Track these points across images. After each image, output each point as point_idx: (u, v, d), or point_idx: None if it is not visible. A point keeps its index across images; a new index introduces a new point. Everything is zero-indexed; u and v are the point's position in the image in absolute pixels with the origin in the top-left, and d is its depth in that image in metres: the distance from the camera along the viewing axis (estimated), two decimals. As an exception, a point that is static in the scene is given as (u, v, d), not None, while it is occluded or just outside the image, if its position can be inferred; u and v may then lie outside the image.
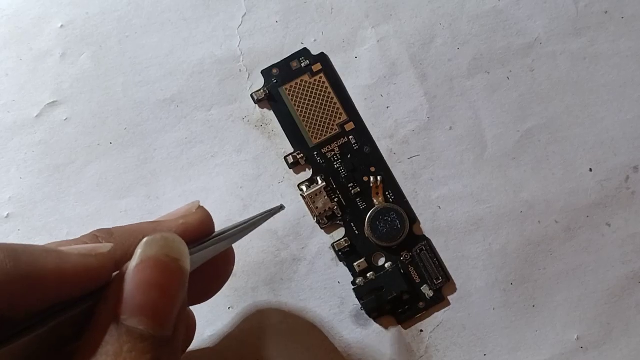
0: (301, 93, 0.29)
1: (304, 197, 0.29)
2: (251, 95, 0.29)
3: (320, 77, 0.29)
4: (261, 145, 0.29)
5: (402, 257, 0.28)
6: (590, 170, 0.29)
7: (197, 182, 0.29)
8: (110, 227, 0.21)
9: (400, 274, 0.28)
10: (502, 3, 0.30)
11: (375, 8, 0.30)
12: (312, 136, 0.29)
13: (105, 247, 0.19)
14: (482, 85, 0.29)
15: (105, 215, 0.29)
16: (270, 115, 0.30)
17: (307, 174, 0.29)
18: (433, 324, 0.28)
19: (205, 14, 0.30)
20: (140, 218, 0.29)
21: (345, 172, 0.29)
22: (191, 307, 0.25)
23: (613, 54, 0.29)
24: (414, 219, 0.29)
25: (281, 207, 0.24)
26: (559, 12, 0.30)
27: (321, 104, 0.29)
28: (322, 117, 0.29)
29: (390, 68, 0.30)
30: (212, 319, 0.28)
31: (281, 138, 0.29)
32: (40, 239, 0.29)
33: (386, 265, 0.28)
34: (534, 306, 0.28)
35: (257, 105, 0.30)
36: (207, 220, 0.23)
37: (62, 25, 0.30)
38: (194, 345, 0.27)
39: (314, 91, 0.29)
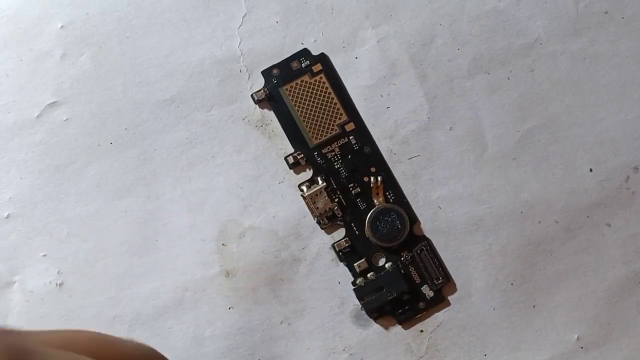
0: (301, 93, 0.29)
1: (304, 198, 0.29)
2: (251, 95, 0.29)
3: (321, 78, 0.29)
4: (261, 145, 0.29)
5: (402, 257, 0.28)
6: (591, 170, 0.29)
7: (197, 182, 0.29)
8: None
9: (401, 274, 0.28)
10: (502, 3, 0.30)
11: (375, 8, 0.30)
12: (312, 136, 0.29)
13: None
14: (482, 86, 0.29)
15: (105, 215, 0.29)
16: (270, 115, 0.30)
17: (308, 174, 0.29)
18: (433, 324, 0.28)
19: (205, 14, 0.30)
20: (140, 218, 0.29)
21: (346, 172, 0.29)
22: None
23: (613, 54, 0.29)
24: (414, 219, 0.29)
25: None
26: (559, 12, 0.30)
27: (321, 105, 0.29)
28: (322, 118, 0.29)
29: (390, 68, 0.30)
30: (212, 319, 0.28)
31: (281, 138, 0.29)
32: (40, 239, 0.29)
33: (386, 266, 0.28)
34: (534, 306, 0.28)
35: (257, 105, 0.30)
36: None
37: (62, 26, 0.30)
38: (194, 345, 0.27)
39: (314, 91, 0.29)
